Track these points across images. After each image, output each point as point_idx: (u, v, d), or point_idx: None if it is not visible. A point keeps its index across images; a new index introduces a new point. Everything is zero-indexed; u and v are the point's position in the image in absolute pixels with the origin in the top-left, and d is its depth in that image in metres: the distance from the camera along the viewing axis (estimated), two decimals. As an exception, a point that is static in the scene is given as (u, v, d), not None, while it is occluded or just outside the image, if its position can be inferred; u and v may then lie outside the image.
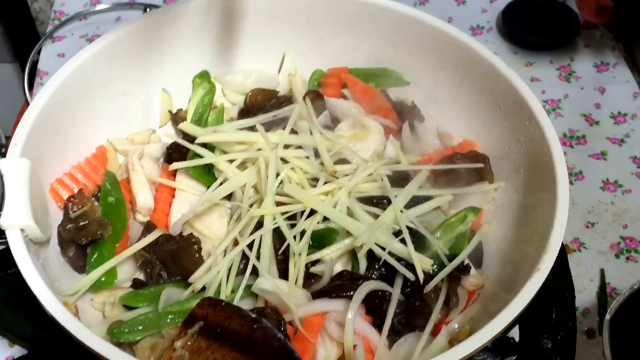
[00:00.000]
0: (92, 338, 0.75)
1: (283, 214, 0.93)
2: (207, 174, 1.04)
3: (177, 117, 1.16)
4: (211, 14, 1.13)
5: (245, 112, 1.15)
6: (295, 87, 1.18)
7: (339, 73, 1.19)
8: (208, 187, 1.00)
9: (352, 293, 0.87)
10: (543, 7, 1.53)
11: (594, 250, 1.14)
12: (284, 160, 0.99)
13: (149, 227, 0.99)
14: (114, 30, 1.06)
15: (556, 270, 0.84)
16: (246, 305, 0.90)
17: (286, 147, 1.00)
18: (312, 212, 0.93)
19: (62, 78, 0.99)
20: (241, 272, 0.91)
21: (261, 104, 1.13)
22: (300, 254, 0.91)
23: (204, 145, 1.01)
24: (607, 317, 0.88)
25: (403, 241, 0.91)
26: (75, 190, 0.98)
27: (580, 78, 1.42)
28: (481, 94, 1.07)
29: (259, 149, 1.00)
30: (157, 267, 0.94)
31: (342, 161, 1.02)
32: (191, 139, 1.02)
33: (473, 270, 0.98)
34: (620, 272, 1.12)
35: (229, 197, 0.98)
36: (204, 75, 1.19)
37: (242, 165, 1.01)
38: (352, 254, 0.95)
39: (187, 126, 1.05)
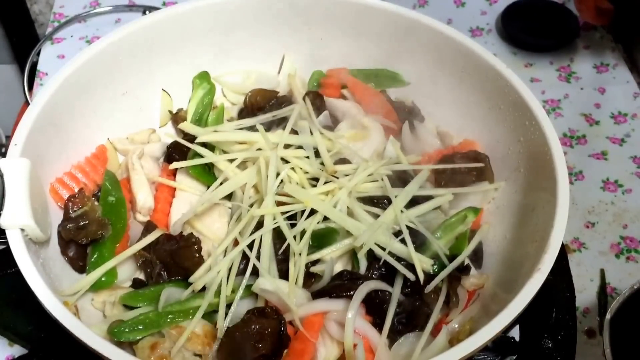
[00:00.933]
0: (92, 337, 0.75)
1: (283, 213, 0.93)
2: (207, 174, 1.04)
3: (177, 117, 1.16)
4: (211, 15, 1.13)
5: (245, 112, 1.15)
6: (295, 88, 1.18)
7: (339, 74, 1.19)
8: (208, 187, 1.00)
9: (352, 293, 0.87)
10: (542, 9, 1.53)
11: (594, 250, 1.15)
12: (284, 160, 0.98)
13: (149, 227, 0.99)
14: (114, 31, 1.06)
15: (556, 270, 0.84)
16: (246, 305, 0.90)
17: (286, 147, 1.00)
18: (312, 212, 0.93)
19: (62, 78, 0.99)
20: (241, 272, 0.91)
21: (261, 104, 1.13)
22: (300, 254, 0.91)
23: (204, 144, 1.01)
24: (608, 317, 0.88)
25: (403, 241, 0.91)
26: (76, 190, 0.98)
27: (580, 79, 1.42)
28: (481, 94, 1.07)
29: (259, 149, 0.99)
30: (157, 267, 0.94)
31: (342, 161, 1.02)
32: (191, 139, 1.02)
33: (473, 270, 0.98)
34: (620, 272, 1.12)
35: (229, 196, 0.98)
36: (204, 76, 1.18)
37: (242, 165, 1.01)
38: (353, 253, 0.95)
39: (187, 126, 1.05)
